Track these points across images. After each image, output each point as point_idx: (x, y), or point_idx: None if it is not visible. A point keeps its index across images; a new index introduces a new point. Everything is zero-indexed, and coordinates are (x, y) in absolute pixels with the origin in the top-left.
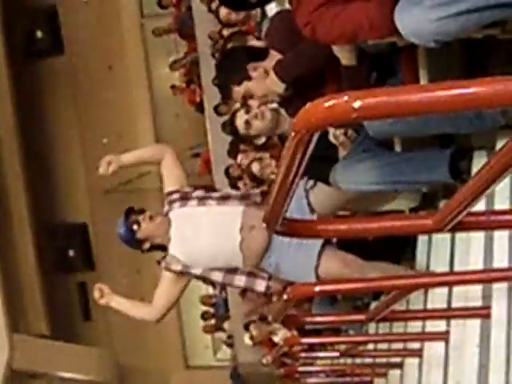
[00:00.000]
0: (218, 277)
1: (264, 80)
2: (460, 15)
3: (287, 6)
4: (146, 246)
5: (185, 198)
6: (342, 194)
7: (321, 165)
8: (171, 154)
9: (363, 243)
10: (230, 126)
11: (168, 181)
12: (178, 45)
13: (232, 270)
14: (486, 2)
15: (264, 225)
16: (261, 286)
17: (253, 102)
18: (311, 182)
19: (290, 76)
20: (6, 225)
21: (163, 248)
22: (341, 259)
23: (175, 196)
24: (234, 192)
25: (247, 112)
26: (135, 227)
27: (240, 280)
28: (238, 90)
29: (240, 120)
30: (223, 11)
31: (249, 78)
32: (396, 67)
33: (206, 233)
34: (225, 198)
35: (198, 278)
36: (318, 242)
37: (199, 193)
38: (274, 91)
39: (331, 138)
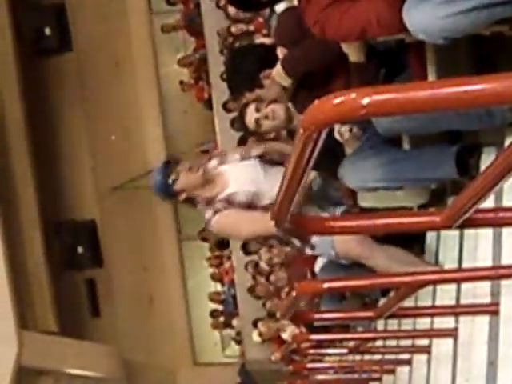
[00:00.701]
0: None
1: (274, 86)
2: (469, 12)
3: (295, 2)
4: (183, 196)
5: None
6: None
7: (329, 160)
8: None
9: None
10: (239, 120)
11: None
12: (187, 42)
13: None
14: (491, 0)
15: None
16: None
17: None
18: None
19: (298, 71)
20: (14, 222)
21: (194, 203)
22: (354, 236)
23: (214, 161)
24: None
25: (257, 110)
26: (173, 177)
27: None
28: (250, 96)
29: (250, 117)
30: (232, 8)
31: (261, 86)
32: (404, 64)
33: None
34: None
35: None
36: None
37: (237, 155)
38: (279, 84)
39: (336, 135)
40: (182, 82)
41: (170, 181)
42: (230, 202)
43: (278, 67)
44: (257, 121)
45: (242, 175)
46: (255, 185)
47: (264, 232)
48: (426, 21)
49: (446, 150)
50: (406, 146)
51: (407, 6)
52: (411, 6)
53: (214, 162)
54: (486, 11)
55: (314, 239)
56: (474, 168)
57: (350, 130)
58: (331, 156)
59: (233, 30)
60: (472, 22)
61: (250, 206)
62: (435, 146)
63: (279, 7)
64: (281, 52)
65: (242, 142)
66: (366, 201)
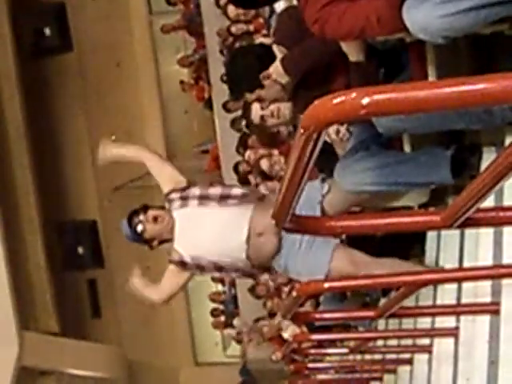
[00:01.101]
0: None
1: (275, 86)
2: (468, 11)
3: (295, 2)
4: (155, 243)
5: (185, 198)
6: (356, 196)
7: (325, 159)
8: (152, 155)
9: (372, 239)
10: (242, 117)
11: (162, 182)
12: (187, 42)
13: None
14: None
15: (273, 230)
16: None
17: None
18: (327, 187)
19: (298, 70)
20: (15, 222)
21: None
22: (350, 259)
23: (174, 195)
24: (233, 191)
25: (262, 108)
26: (140, 228)
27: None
28: (250, 97)
29: (255, 113)
30: (232, 8)
31: (261, 86)
32: (404, 63)
33: (209, 236)
34: (225, 198)
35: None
36: (333, 241)
37: (197, 191)
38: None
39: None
40: (182, 82)
41: (139, 231)
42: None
43: (276, 65)
44: (262, 117)
45: (184, 234)
46: (201, 252)
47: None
48: (426, 20)
49: (441, 154)
50: (406, 147)
51: (407, 5)
52: (411, 5)
53: (176, 204)
54: (486, 10)
55: (300, 268)
56: (474, 168)
57: (337, 133)
58: (327, 155)
59: (233, 29)
60: (472, 21)
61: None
62: (430, 150)
63: (279, 6)
64: (278, 50)
65: (241, 142)
66: (366, 201)
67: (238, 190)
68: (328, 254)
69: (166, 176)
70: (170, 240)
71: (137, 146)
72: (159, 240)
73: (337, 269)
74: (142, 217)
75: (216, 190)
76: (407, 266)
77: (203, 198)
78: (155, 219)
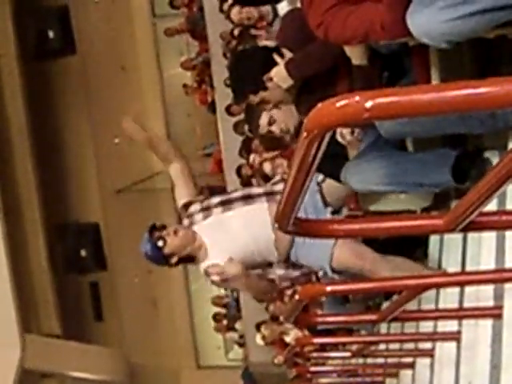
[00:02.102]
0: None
1: (278, 88)
2: (472, 16)
3: (299, 4)
4: (174, 259)
5: (207, 209)
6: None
7: (332, 163)
8: (184, 165)
9: (374, 243)
10: (248, 120)
11: (180, 194)
12: (190, 45)
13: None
14: (497, 3)
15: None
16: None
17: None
18: (321, 176)
19: (302, 74)
20: (18, 225)
21: (190, 259)
22: (354, 251)
23: (194, 208)
24: (254, 190)
25: (270, 124)
26: (161, 243)
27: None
28: (254, 99)
29: (263, 126)
30: (235, 11)
31: (264, 88)
32: (407, 67)
33: (241, 236)
34: (247, 197)
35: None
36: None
37: (218, 199)
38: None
39: (338, 137)
40: (185, 85)
41: (160, 245)
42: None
43: (279, 69)
44: (269, 131)
45: (218, 242)
46: (241, 254)
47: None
48: (430, 25)
49: (446, 156)
50: (409, 148)
51: (411, 10)
52: (415, 10)
53: (198, 217)
54: (489, 15)
55: (308, 260)
56: (474, 177)
57: (352, 133)
58: (333, 159)
59: (236, 33)
60: (475, 25)
61: None
62: (437, 150)
63: (282, 9)
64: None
65: (245, 145)
66: (368, 204)
67: (258, 189)
68: (330, 244)
69: (186, 190)
70: (188, 259)
71: (172, 147)
72: (179, 255)
73: (340, 259)
74: (163, 232)
75: (238, 193)
76: (412, 264)
77: (227, 203)
78: (175, 232)
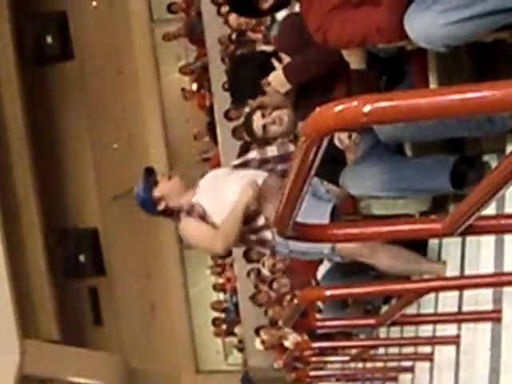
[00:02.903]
0: None
1: (277, 93)
2: (470, 20)
3: (296, 9)
4: (162, 206)
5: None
6: None
7: (330, 167)
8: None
9: None
10: (245, 126)
11: None
12: (188, 50)
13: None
14: (495, 7)
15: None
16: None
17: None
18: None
19: (300, 79)
20: (16, 230)
21: (172, 215)
22: None
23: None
24: (269, 154)
25: (263, 116)
26: (152, 183)
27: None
28: (252, 104)
29: (257, 123)
30: (233, 17)
31: (263, 93)
32: (405, 71)
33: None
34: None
35: None
36: (329, 207)
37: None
38: (276, 90)
39: (336, 142)
40: (183, 90)
41: (150, 189)
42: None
43: (277, 73)
44: (264, 126)
45: (208, 186)
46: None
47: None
48: (428, 29)
49: (444, 161)
50: (408, 152)
51: (408, 14)
52: (412, 14)
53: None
54: (487, 19)
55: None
56: (472, 182)
57: (350, 137)
58: (332, 163)
59: (234, 37)
60: (473, 29)
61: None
62: (435, 156)
63: (280, 14)
64: (277, 62)
65: (243, 150)
66: (367, 208)
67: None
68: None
69: None
70: (176, 212)
71: None
72: (166, 203)
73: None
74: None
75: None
76: (411, 254)
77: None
78: (169, 177)
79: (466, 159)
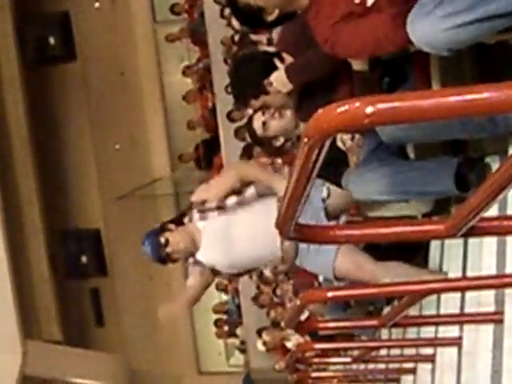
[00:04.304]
0: None
1: (279, 94)
2: (471, 24)
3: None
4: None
5: (221, 208)
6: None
7: (332, 168)
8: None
9: (375, 249)
10: (247, 129)
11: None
12: (191, 51)
13: None
14: (496, 11)
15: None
16: None
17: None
18: (325, 191)
19: (302, 79)
20: (19, 231)
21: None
22: (354, 263)
23: (210, 205)
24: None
25: (264, 114)
26: (163, 241)
27: None
28: (255, 104)
29: (257, 122)
30: (236, 22)
31: (266, 93)
32: (408, 73)
33: (244, 241)
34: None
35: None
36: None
37: (234, 199)
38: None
39: (338, 143)
40: (184, 98)
41: (162, 242)
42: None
43: (279, 74)
44: (264, 123)
45: (213, 249)
46: (230, 264)
47: None
48: (430, 33)
49: (448, 164)
50: (411, 154)
51: (411, 19)
52: (414, 20)
53: (195, 216)
54: (488, 23)
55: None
56: (474, 184)
57: (352, 138)
58: (334, 164)
59: (236, 39)
60: (475, 33)
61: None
62: (438, 158)
63: None
64: (280, 62)
65: (246, 151)
66: (369, 210)
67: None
68: (332, 254)
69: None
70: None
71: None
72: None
73: (342, 270)
74: (163, 242)
75: (251, 190)
76: (412, 269)
77: (241, 203)
78: (178, 249)
79: (469, 161)
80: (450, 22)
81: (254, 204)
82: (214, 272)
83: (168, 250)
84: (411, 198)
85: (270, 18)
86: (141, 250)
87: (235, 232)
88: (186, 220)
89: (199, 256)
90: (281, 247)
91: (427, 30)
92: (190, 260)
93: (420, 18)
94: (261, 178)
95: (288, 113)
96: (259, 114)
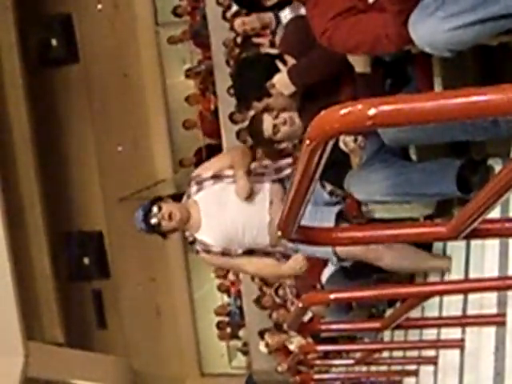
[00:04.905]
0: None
1: (282, 96)
2: (473, 25)
3: (302, 11)
4: (170, 235)
5: (218, 177)
6: None
7: (334, 170)
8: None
9: None
10: (249, 129)
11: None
12: (193, 53)
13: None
14: (498, 12)
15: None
16: None
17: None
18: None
19: (304, 81)
20: (21, 233)
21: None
22: None
23: (206, 174)
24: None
25: (277, 116)
26: (154, 221)
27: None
28: (258, 106)
29: (268, 124)
30: (238, 22)
31: (268, 95)
32: (410, 74)
33: (233, 212)
34: (260, 174)
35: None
36: (334, 212)
37: (231, 171)
38: (281, 92)
39: (341, 145)
40: (187, 98)
41: (153, 223)
42: (207, 251)
43: (282, 76)
44: (274, 126)
45: (210, 218)
46: (222, 231)
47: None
48: (431, 35)
49: (450, 166)
50: (413, 156)
51: (413, 20)
52: (416, 20)
53: (193, 188)
54: (490, 24)
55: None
56: (476, 186)
57: (355, 140)
58: (336, 166)
59: (239, 40)
60: (477, 34)
61: (224, 254)
62: (440, 160)
63: (285, 17)
64: (282, 64)
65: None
66: (371, 212)
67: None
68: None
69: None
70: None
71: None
72: (173, 232)
73: (343, 248)
74: (156, 211)
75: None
76: (416, 251)
77: (217, 177)
78: (170, 217)
79: (471, 163)
80: (452, 22)
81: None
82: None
83: (159, 216)
84: (413, 199)
85: (270, 2)
86: (133, 220)
87: (229, 198)
88: (184, 198)
89: (199, 235)
90: (268, 225)
91: (429, 31)
92: (190, 239)
93: (422, 19)
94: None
95: (297, 120)
96: (267, 115)
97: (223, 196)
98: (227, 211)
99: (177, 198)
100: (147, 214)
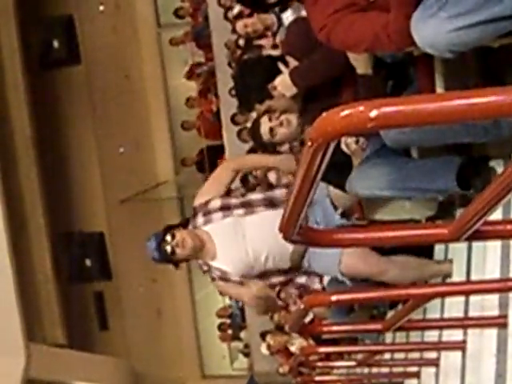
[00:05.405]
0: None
1: (284, 97)
2: (476, 26)
3: (303, 13)
4: (183, 264)
5: (227, 208)
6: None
7: (336, 172)
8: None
9: (380, 250)
10: (251, 134)
11: (218, 186)
12: (195, 54)
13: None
14: (501, 13)
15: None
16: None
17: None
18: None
19: (306, 83)
20: (23, 234)
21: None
22: (360, 258)
23: (213, 205)
24: (276, 194)
25: (270, 120)
26: (169, 251)
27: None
28: (260, 108)
29: (264, 127)
30: (240, 24)
31: (270, 97)
32: (412, 76)
33: (253, 243)
34: (269, 201)
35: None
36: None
37: (239, 200)
38: (283, 94)
39: (343, 147)
40: (188, 100)
41: (169, 253)
42: (225, 279)
43: (283, 77)
44: (271, 129)
45: (228, 248)
46: (243, 260)
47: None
48: (434, 35)
49: (451, 162)
50: (414, 154)
51: (414, 21)
52: (418, 21)
53: (200, 220)
54: (492, 25)
55: (319, 267)
56: (478, 186)
57: (357, 142)
58: (338, 168)
59: (241, 42)
60: (478, 35)
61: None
62: (441, 157)
63: (287, 18)
64: (284, 66)
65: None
66: (373, 213)
67: (279, 192)
68: (338, 252)
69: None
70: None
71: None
72: (185, 261)
73: (348, 266)
74: (169, 239)
75: (258, 195)
76: (418, 261)
77: (247, 206)
78: (183, 245)
79: (472, 161)
80: (454, 23)
81: (262, 209)
82: (224, 280)
83: (173, 244)
84: (412, 194)
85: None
86: (146, 250)
87: (246, 230)
88: (190, 226)
89: (216, 263)
90: (292, 253)
91: (431, 32)
92: (204, 268)
93: (424, 20)
94: (263, 162)
95: (294, 120)
96: (265, 118)
97: (238, 229)
98: (247, 242)
99: (185, 224)
100: (160, 243)
